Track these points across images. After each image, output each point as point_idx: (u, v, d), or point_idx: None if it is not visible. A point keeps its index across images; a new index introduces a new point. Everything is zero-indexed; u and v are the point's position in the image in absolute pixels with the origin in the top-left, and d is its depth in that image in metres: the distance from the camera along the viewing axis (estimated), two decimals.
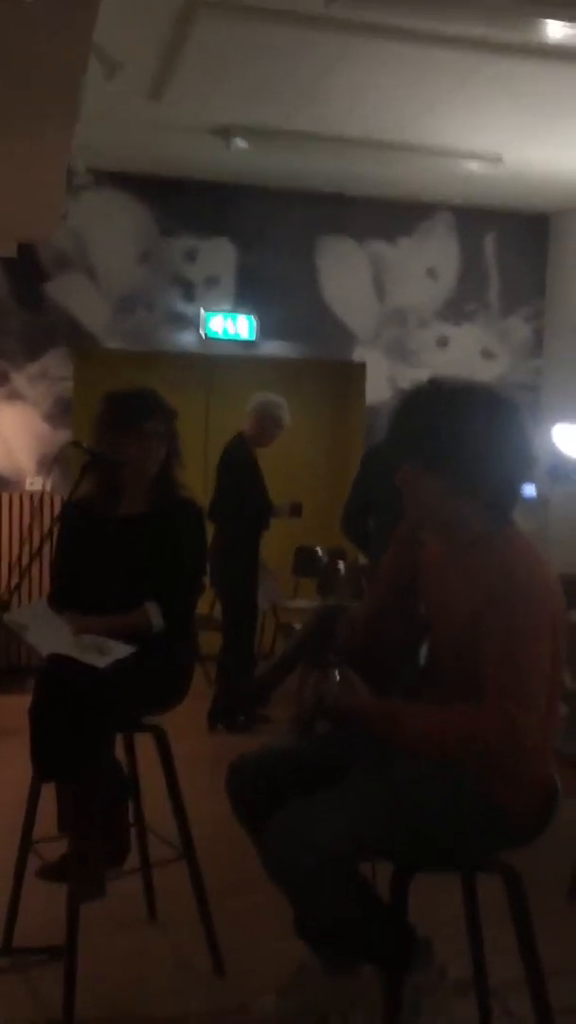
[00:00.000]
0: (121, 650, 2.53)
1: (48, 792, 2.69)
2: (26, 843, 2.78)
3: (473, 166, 6.21)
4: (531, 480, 2.30)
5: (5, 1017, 2.48)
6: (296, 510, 5.64)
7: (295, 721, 2.21)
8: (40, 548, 2.68)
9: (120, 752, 2.83)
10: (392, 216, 7.14)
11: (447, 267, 7.32)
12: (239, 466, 5.42)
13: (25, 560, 5.62)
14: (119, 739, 2.82)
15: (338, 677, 1.93)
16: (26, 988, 2.68)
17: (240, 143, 5.78)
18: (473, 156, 6.09)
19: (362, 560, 5.58)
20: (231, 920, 2.92)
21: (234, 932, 2.88)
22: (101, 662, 2.48)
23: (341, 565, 6.39)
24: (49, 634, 2.54)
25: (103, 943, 2.82)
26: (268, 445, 5.59)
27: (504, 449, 1.90)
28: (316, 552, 6.89)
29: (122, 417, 2.78)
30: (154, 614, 2.68)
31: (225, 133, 5.78)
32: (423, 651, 2.09)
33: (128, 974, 2.76)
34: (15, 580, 2.52)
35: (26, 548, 6.02)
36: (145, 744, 2.79)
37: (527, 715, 1.78)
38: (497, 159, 6.12)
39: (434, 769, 1.86)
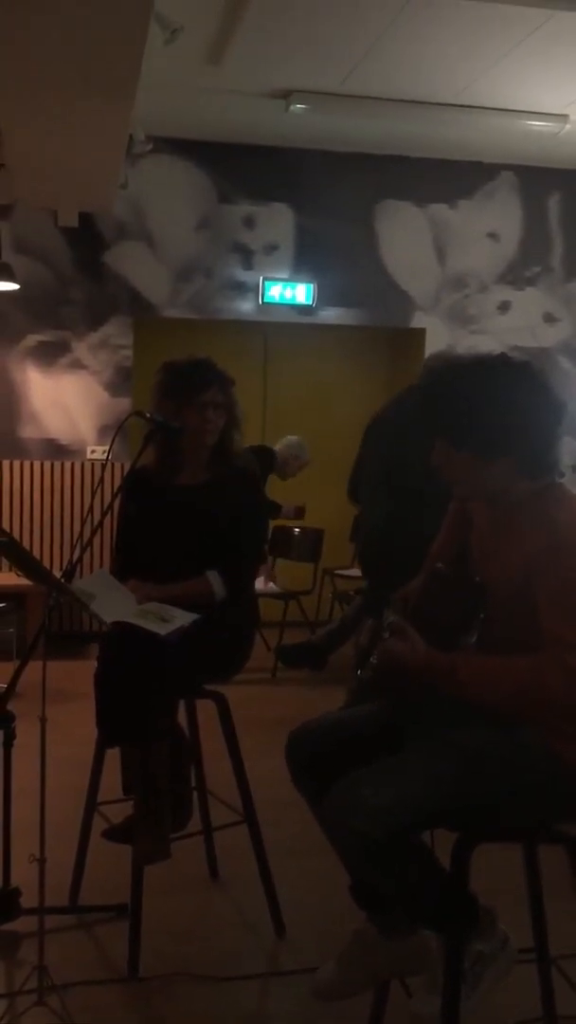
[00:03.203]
0: (183, 618, 2.56)
1: (113, 755, 2.75)
2: (91, 805, 2.86)
3: (537, 126, 6.06)
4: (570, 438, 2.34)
5: (72, 971, 2.55)
6: (300, 512, 5.81)
7: (353, 692, 2.22)
8: (103, 518, 2.70)
9: (182, 717, 2.88)
10: (453, 178, 7.01)
11: (509, 230, 7.17)
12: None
13: (88, 529, 5.69)
14: (181, 705, 2.87)
15: (391, 627, 1.93)
16: (92, 944, 2.76)
17: (298, 106, 5.73)
18: (537, 115, 5.95)
19: None
20: (291, 882, 2.96)
21: (294, 894, 2.93)
22: (163, 629, 2.51)
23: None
24: (113, 602, 2.58)
25: (166, 902, 2.89)
26: (288, 478, 5.97)
27: (521, 411, 1.93)
28: None
29: (181, 387, 2.79)
30: (216, 582, 2.71)
31: (284, 96, 5.72)
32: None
33: (190, 933, 2.82)
34: (79, 548, 2.55)
35: (89, 517, 6.09)
36: (205, 708, 2.83)
37: None
38: (563, 118, 5.97)
39: (496, 733, 1.87)
